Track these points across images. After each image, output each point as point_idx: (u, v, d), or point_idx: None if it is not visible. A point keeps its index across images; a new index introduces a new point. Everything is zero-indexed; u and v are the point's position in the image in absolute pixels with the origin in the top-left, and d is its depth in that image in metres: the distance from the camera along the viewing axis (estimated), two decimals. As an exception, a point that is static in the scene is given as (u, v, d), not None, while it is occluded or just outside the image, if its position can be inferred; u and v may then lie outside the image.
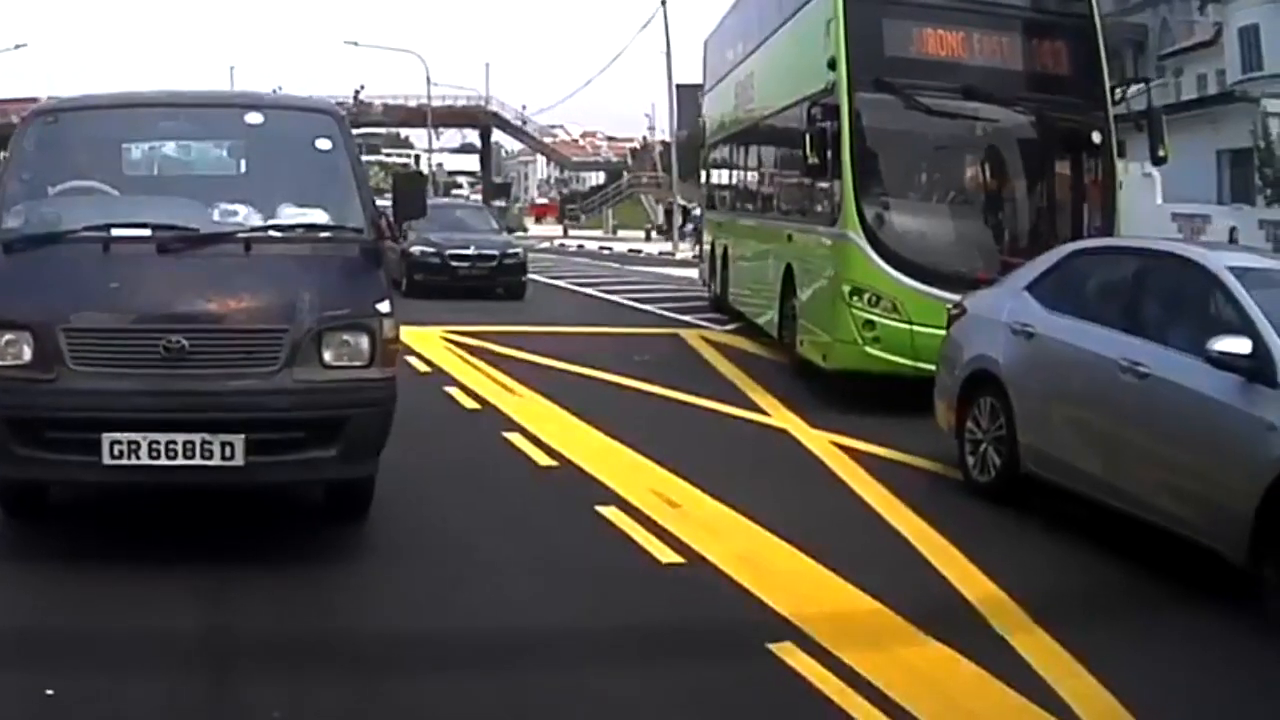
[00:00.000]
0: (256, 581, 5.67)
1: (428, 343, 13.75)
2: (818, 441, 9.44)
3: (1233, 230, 25.49)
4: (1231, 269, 6.70)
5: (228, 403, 5.65)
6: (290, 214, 6.47)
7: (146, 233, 6.12)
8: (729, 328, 16.82)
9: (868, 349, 10.81)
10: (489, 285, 21.14)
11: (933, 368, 8.95)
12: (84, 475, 5.73)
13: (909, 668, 5.01)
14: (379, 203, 7.22)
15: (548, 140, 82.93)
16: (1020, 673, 4.95)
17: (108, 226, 6.11)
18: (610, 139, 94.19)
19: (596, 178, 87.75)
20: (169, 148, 7.25)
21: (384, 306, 6.04)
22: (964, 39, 11.23)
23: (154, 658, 4.71)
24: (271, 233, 6.32)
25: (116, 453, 5.53)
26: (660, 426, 9.91)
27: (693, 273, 24.62)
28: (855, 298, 10.85)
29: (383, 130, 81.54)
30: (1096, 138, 11.33)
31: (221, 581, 5.63)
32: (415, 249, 20.53)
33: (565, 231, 59.48)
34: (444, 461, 8.31)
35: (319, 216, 6.49)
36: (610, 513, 7.14)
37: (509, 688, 4.65)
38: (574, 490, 7.76)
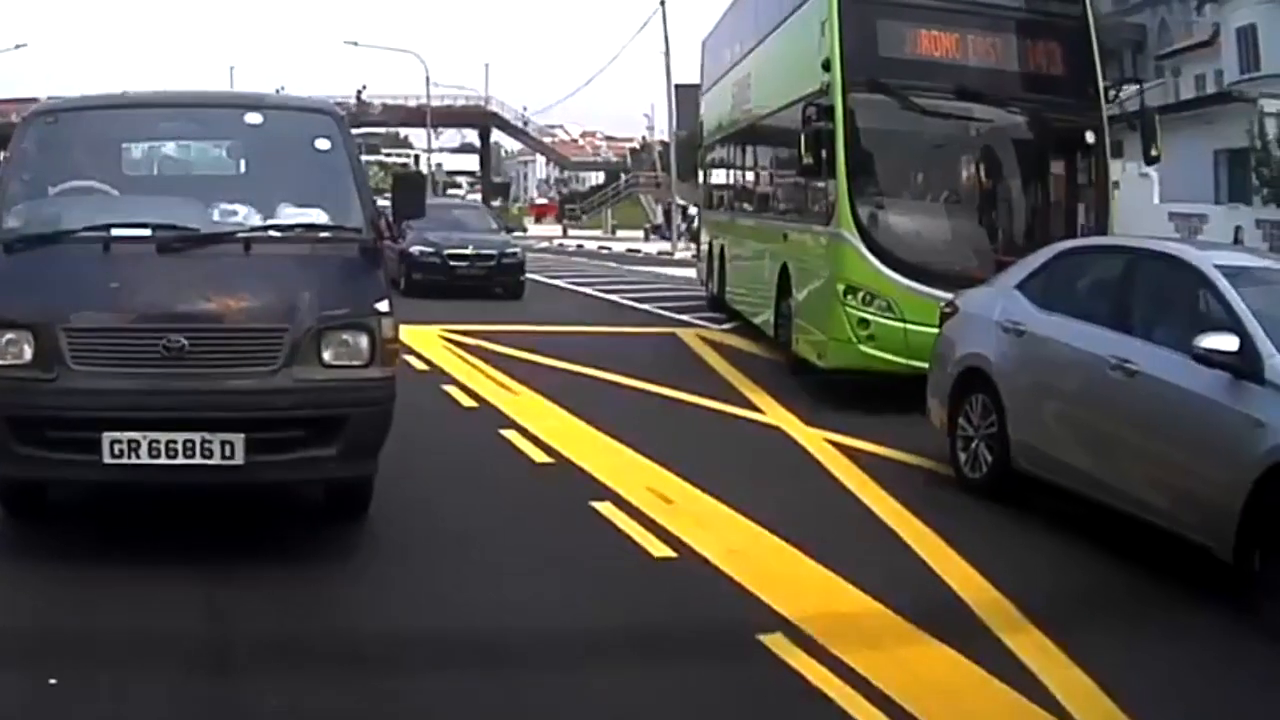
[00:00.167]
0: (256, 580, 5.69)
1: (426, 342, 13.81)
2: (812, 439, 9.50)
3: (1237, 230, 25.55)
4: (1219, 267, 6.77)
5: (227, 402, 5.67)
6: (290, 214, 6.49)
7: (146, 233, 6.14)
8: (726, 327, 16.90)
9: (862, 347, 10.89)
10: (487, 284, 21.21)
11: (926, 366, 9.02)
12: (84, 474, 5.74)
13: (894, 657, 5.10)
14: (379, 202, 7.26)
15: (547, 140, 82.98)
16: (1005, 663, 5.03)
17: (108, 226, 6.13)
18: (610, 139, 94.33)
19: (596, 178, 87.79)
20: (169, 148, 7.27)
21: (383, 306, 6.06)
22: (958, 40, 11.31)
23: (154, 656, 4.73)
24: (271, 233, 6.34)
25: (116, 451, 5.55)
26: (656, 424, 9.98)
27: (691, 272, 24.70)
28: (850, 296, 10.94)
29: (382, 130, 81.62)
30: (1090, 137, 11.40)
31: (221, 580, 5.65)
32: (414, 248, 20.58)
33: (564, 231, 59.52)
34: (441, 458, 8.36)
35: (318, 216, 6.51)
36: (605, 508, 7.22)
37: (505, 684, 4.67)
38: (569, 486, 7.83)
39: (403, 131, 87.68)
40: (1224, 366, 6.15)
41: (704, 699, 4.67)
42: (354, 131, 7.55)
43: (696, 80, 22.41)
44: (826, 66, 11.23)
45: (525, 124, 75.99)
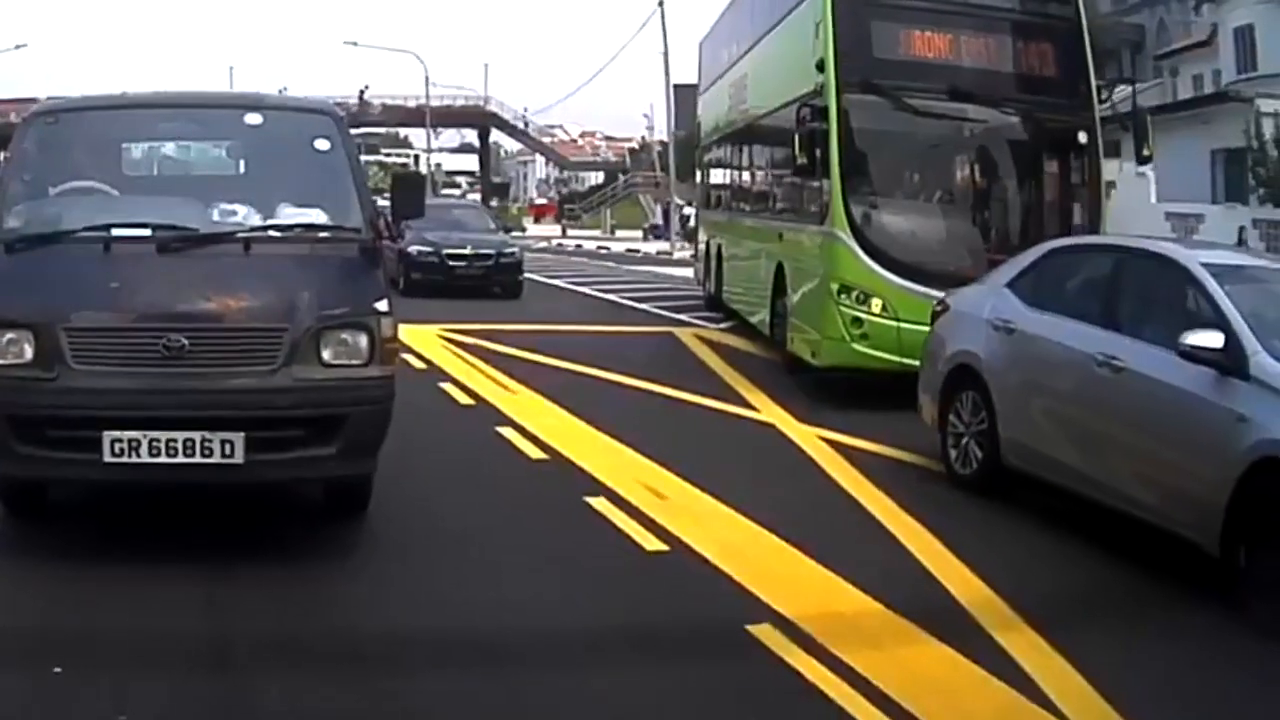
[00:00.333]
0: (256, 579, 5.72)
1: (425, 341, 13.87)
2: (806, 436, 9.58)
3: (1241, 230, 25.62)
4: (1206, 265, 6.84)
5: (227, 401, 5.69)
6: (289, 214, 6.50)
7: (147, 233, 6.15)
8: (723, 326, 16.97)
9: (855, 346, 10.99)
10: (485, 284, 21.29)
11: (919, 364, 9.09)
12: (85, 473, 5.75)
13: (882, 649, 5.18)
14: (379, 202, 7.29)
15: (546, 140, 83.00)
16: (994, 657, 5.10)
17: (108, 226, 6.14)
18: (609, 139, 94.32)
19: (596, 178, 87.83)
20: (169, 148, 7.26)
21: (382, 305, 6.08)
22: (951, 41, 11.40)
23: (154, 655, 4.74)
24: (271, 232, 6.36)
25: (117, 450, 5.57)
26: (650, 421, 10.06)
27: (689, 272, 24.78)
28: (843, 295, 11.03)
29: (382, 130, 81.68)
30: (1083, 138, 11.49)
31: (221, 578, 5.67)
32: (413, 248, 20.61)
33: (564, 231, 59.57)
34: (439, 455, 8.42)
35: (318, 216, 6.53)
36: (598, 503, 7.31)
37: (503, 680, 4.72)
38: (564, 482, 7.92)
39: (402, 131, 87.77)
40: (1209, 363, 6.22)
41: (700, 695, 4.71)
42: (354, 131, 7.58)
43: (695, 80, 22.51)
44: (820, 67, 11.33)
45: (526, 125, 76.03)
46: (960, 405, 8.21)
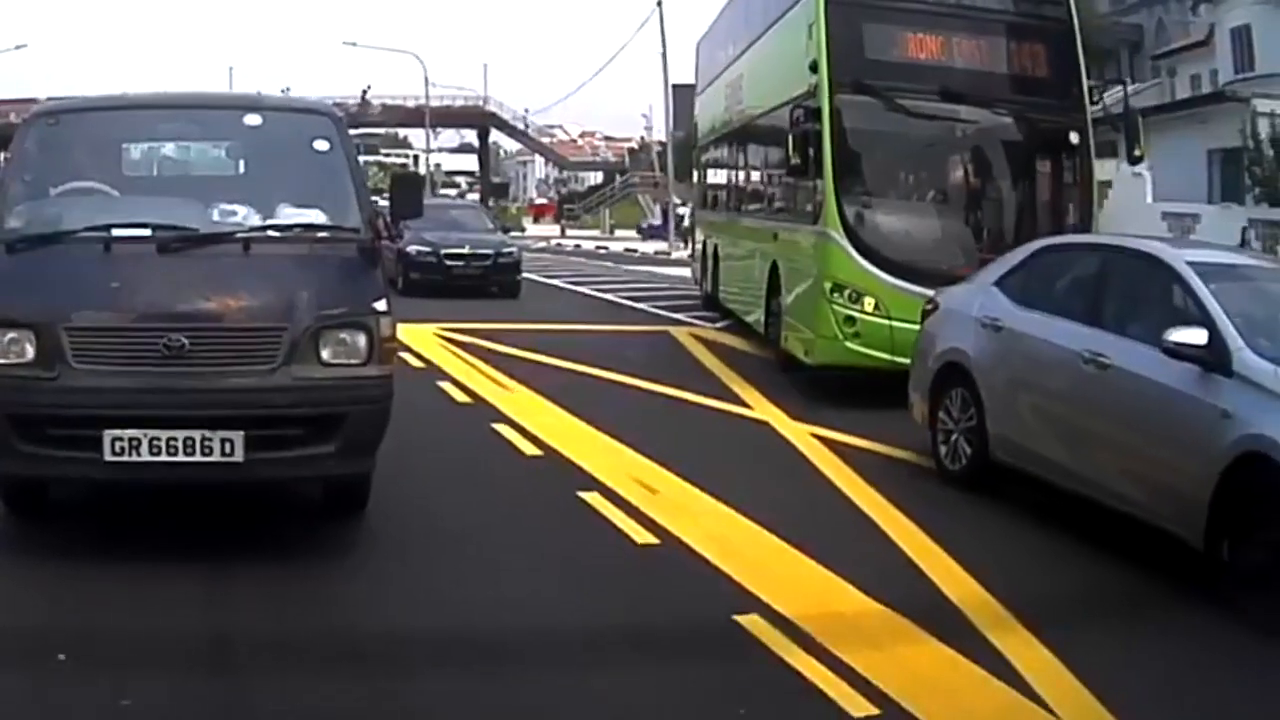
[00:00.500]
0: (256, 577, 5.75)
1: (422, 340, 13.93)
2: (798, 433, 9.67)
3: (1244, 230, 25.67)
4: (1191, 264, 6.93)
5: (227, 400, 5.71)
6: (288, 214, 6.52)
7: (147, 233, 6.17)
8: (719, 325, 17.04)
9: (848, 344, 11.08)
10: (484, 284, 21.36)
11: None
12: (85, 471, 5.77)
13: (863, 635, 5.31)
14: (379, 202, 7.34)
15: (545, 140, 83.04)
16: (974, 644, 5.21)
17: (108, 227, 6.16)
18: (609, 139, 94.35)
19: (595, 178, 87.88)
20: (169, 149, 7.27)
21: (381, 305, 6.11)
22: (943, 42, 11.49)
23: (154, 654, 4.76)
24: (270, 233, 6.37)
25: (117, 449, 5.59)
26: (644, 419, 10.13)
27: (687, 271, 24.86)
28: (836, 294, 11.12)
29: (381, 130, 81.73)
30: (1074, 138, 11.55)
31: (221, 577, 5.70)
32: (411, 248, 20.69)
33: (563, 231, 59.63)
34: (436, 452, 8.47)
35: (317, 217, 6.54)
36: (591, 498, 7.41)
37: (498, 677, 4.76)
38: (558, 477, 8.01)
39: (402, 132, 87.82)
40: (1193, 359, 6.30)
41: (700, 695, 4.77)
42: (354, 132, 7.62)
43: (693, 81, 22.59)
44: (814, 69, 11.41)
45: (526, 126, 76.11)
46: (950, 402, 8.30)
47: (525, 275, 22.67)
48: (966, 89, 11.38)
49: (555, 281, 26.06)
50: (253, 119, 7.09)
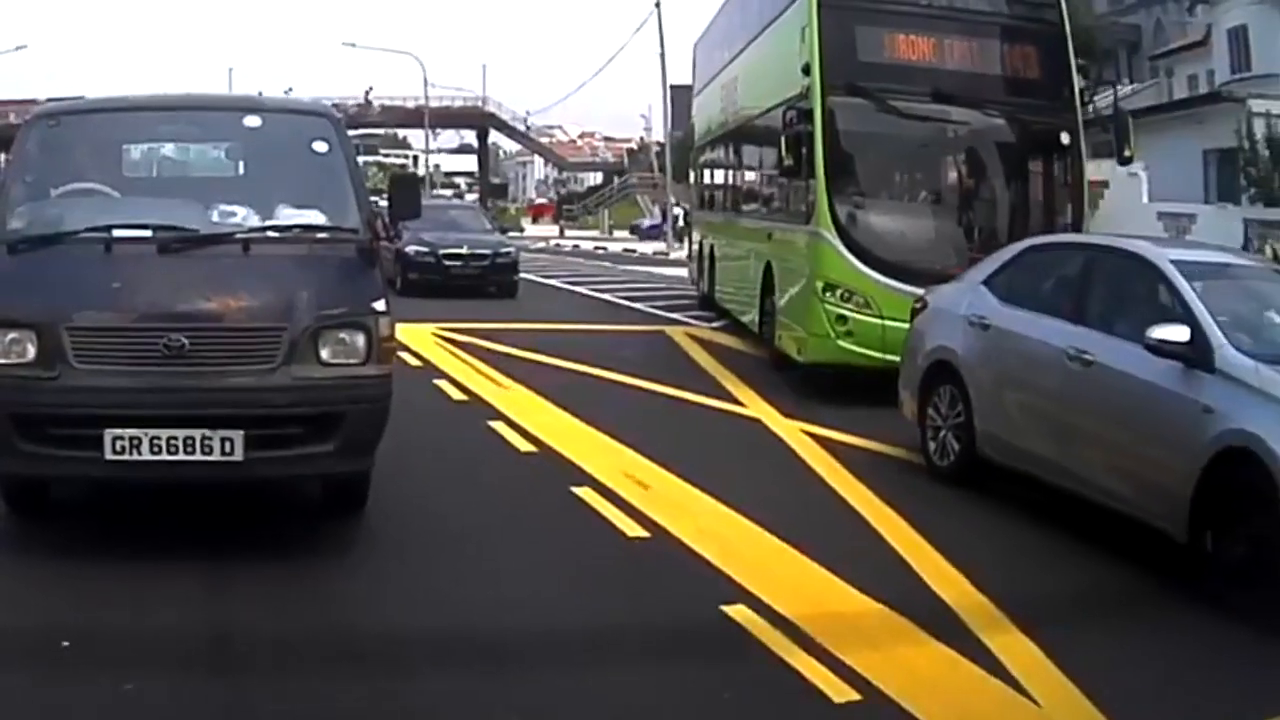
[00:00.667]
0: (256, 577, 5.77)
1: (420, 339, 13.99)
2: (789, 430, 9.77)
3: (1247, 230, 25.73)
4: (1175, 262, 7.03)
5: (227, 399, 5.73)
6: (288, 215, 6.54)
7: (147, 233, 6.20)
8: (715, 325, 17.14)
9: (840, 342, 11.21)
10: (481, 284, 21.45)
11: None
12: (86, 470, 5.79)
13: (847, 625, 5.45)
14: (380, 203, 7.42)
15: (544, 141, 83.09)
16: (958, 634, 5.31)
17: (109, 227, 6.18)
18: (608, 139, 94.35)
19: (595, 178, 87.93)
20: (169, 150, 7.28)
21: (380, 305, 6.14)
22: (934, 44, 11.59)
23: (154, 653, 4.78)
24: (269, 233, 6.39)
25: (118, 448, 5.62)
26: (638, 416, 10.23)
27: (685, 271, 24.93)
28: (828, 293, 11.25)
29: (381, 131, 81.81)
30: (1065, 139, 11.66)
31: (221, 576, 5.73)
32: (410, 248, 20.82)
33: (561, 232, 59.67)
34: (432, 449, 8.53)
35: (316, 217, 6.56)
36: (584, 493, 7.52)
37: (496, 675, 4.79)
38: (551, 473, 8.11)
39: (401, 132, 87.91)
40: (1176, 356, 6.40)
41: (655, 653, 4.95)
42: (354, 133, 7.66)
43: (690, 82, 22.71)
44: (806, 71, 11.53)
45: (528, 128, 76.19)
46: (938, 399, 8.41)
47: (523, 275, 22.77)
48: (958, 91, 11.49)
49: (553, 281, 26.12)
50: (252, 120, 7.10)
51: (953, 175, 12.16)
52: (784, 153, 11.71)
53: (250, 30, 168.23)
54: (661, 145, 51.57)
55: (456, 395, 11.09)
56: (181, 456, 5.66)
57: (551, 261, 34.81)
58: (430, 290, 20.07)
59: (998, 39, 11.92)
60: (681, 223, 38.83)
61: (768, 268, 13.51)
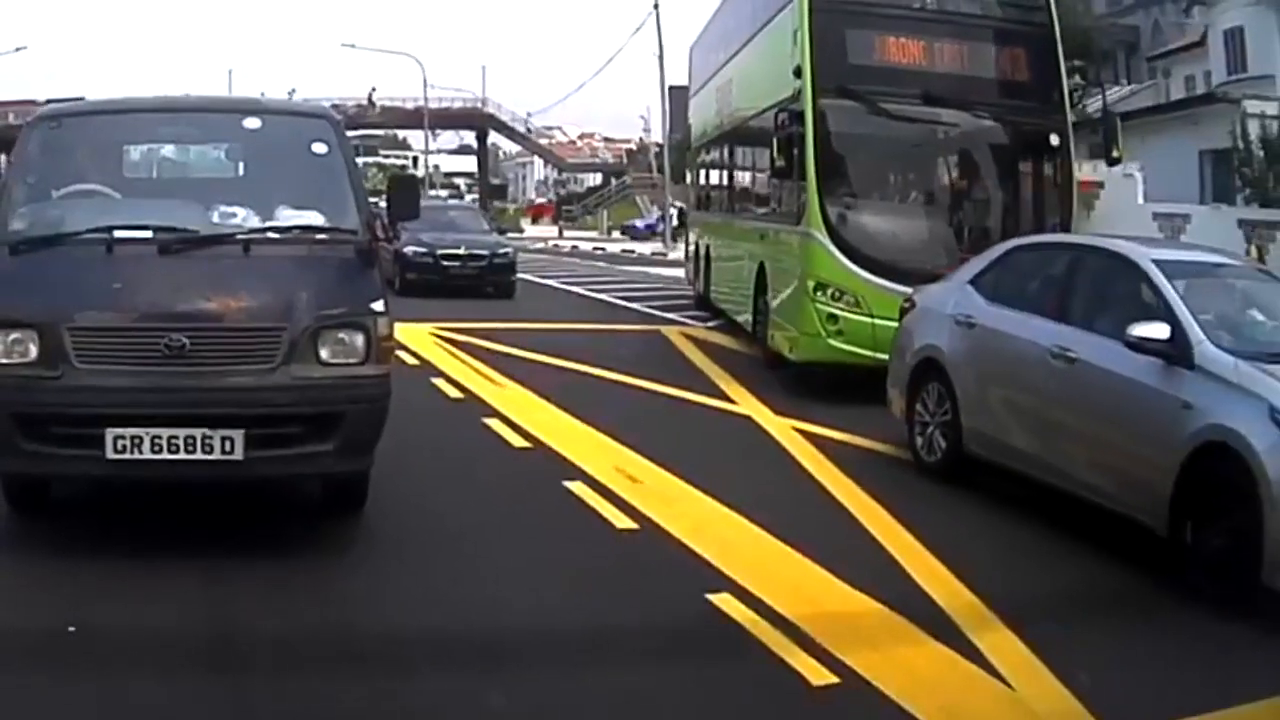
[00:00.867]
0: (256, 575, 5.80)
1: (418, 339, 14.07)
2: (780, 427, 9.90)
3: (1250, 233, 25.81)
4: (1156, 262, 7.15)
5: (227, 399, 5.76)
6: (287, 216, 6.56)
7: (148, 234, 6.22)
8: (710, 324, 17.23)
9: (831, 341, 11.34)
10: (479, 284, 21.53)
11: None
12: (88, 469, 5.82)
13: (828, 613, 5.58)
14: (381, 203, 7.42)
15: (544, 141, 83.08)
16: (940, 623, 5.46)
17: (110, 228, 6.19)
18: (608, 140, 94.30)
19: (594, 179, 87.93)
20: (169, 151, 7.31)
21: (379, 305, 6.17)
22: (924, 47, 11.72)
23: (154, 652, 4.80)
24: (269, 234, 6.41)
25: (119, 447, 5.64)
26: (631, 414, 10.34)
27: (681, 272, 25.00)
28: (819, 293, 11.39)
29: (381, 132, 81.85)
30: (1054, 140, 11.76)
31: (221, 575, 5.75)
32: (408, 249, 20.90)
33: (560, 232, 59.73)
34: (429, 446, 8.57)
35: (315, 218, 6.57)
36: (576, 487, 7.66)
37: (493, 673, 4.83)
38: (545, 468, 8.26)
39: (401, 133, 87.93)
40: (1157, 353, 6.52)
41: (642, 639, 5.08)
42: (354, 134, 7.71)
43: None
44: (798, 73, 11.66)
45: (529, 130, 76.22)
46: (926, 397, 8.54)
47: (521, 276, 22.84)
48: (947, 93, 11.60)
49: (551, 282, 26.20)
50: (252, 122, 7.15)
51: (942, 176, 12.30)
52: (776, 154, 11.85)
53: (250, 31, 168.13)
54: (660, 146, 51.62)
55: (453, 394, 11.19)
56: (182, 456, 5.69)
57: (550, 262, 34.86)
58: (428, 290, 20.15)
59: (987, 42, 12.04)
60: (676, 222, 38.89)
61: (761, 268, 13.65)
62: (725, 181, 18.41)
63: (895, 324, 9.64)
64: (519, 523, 7.04)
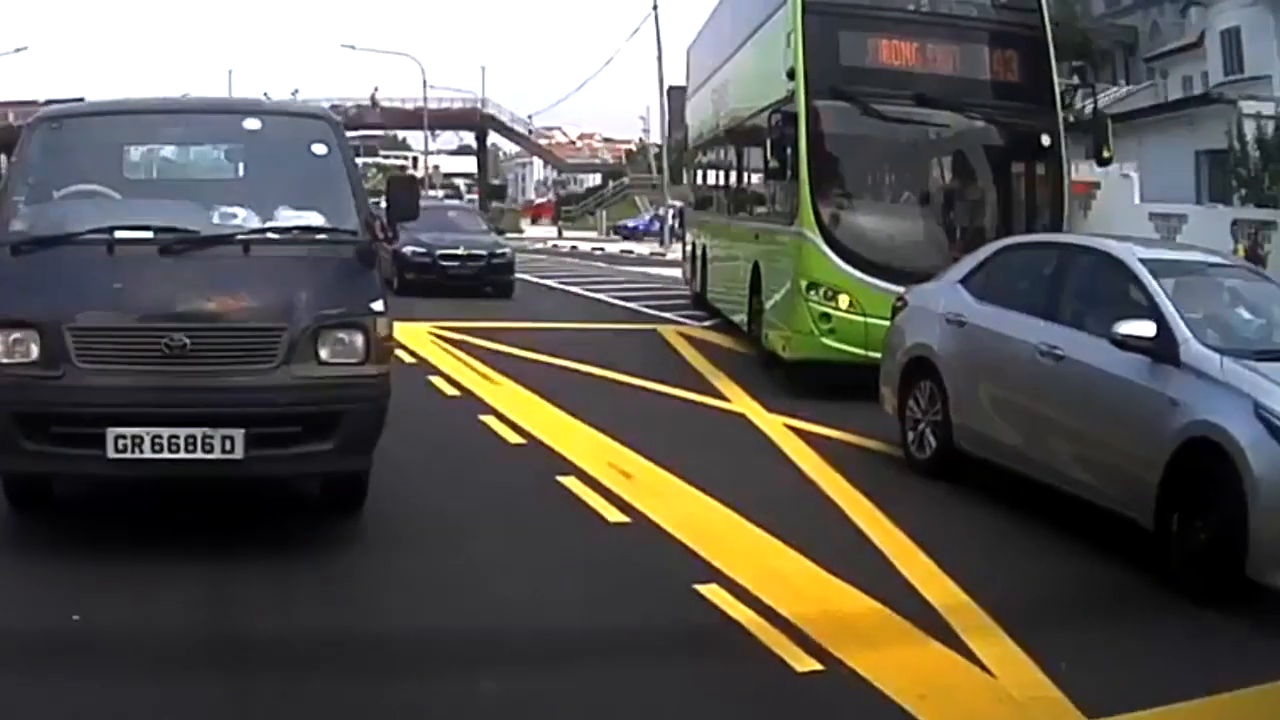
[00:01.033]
0: (255, 574, 5.82)
1: (416, 337, 14.14)
2: (772, 424, 10.00)
3: (1256, 232, 25.90)
4: (1144, 260, 7.24)
5: (228, 398, 5.78)
6: (287, 216, 6.57)
7: (149, 235, 6.23)
8: (707, 324, 17.31)
9: (824, 340, 11.45)
10: (477, 284, 21.58)
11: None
12: (89, 468, 5.85)
13: (813, 602, 5.68)
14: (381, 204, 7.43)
15: (543, 142, 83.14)
16: (923, 612, 5.55)
17: (111, 229, 6.20)
18: (607, 140, 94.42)
19: (594, 179, 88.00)
20: (170, 152, 7.28)
21: (378, 305, 6.18)
22: (917, 49, 11.81)
23: (154, 652, 4.82)
24: (269, 235, 6.43)
25: (120, 446, 5.66)
26: (625, 411, 10.44)
27: (679, 272, 25.05)
28: (812, 292, 11.49)
29: (380, 132, 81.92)
30: (1046, 140, 11.85)
31: (220, 575, 5.78)
32: (407, 249, 20.96)
33: (560, 233, 59.80)
34: (425, 442, 8.59)
35: (315, 219, 6.58)
36: (569, 481, 7.78)
37: (489, 670, 4.84)
38: (539, 463, 8.36)
39: (401, 134, 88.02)
40: (1143, 350, 6.61)
41: (629, 625, 5.21)
42: (353, 134, 7.73)
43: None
44: (791, 75, 11.77)
45: (530, 131, 76.27)
46: (917, 394, 8.63)
47: (520, 276, 22.88)
48: (940, 94, 11.69)
49: (549, 282, 26.26)
50: (252, 123, 7.17)
51: (934, 177, 12.42)
52: (770, 155, 11.95)
53: (250, 32, 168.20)
54: (660, 146, 51.70)
55: (450, 391, 11.28)
56: (183, 455, 5.72)
57: (549, 262, 34.89)
58: (427, 290, 20.22)
59: (980, 44, 12.10)
60: (671, 221, 38.92)
61: (755, 268, 13.76)
62: (721, 182, 18.50)
63: (887, 323, 9.71)
64: (513, 516, 7.15)
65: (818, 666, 4.91)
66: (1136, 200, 28.45)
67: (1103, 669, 4.98)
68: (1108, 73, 42.55)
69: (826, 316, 11.44)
